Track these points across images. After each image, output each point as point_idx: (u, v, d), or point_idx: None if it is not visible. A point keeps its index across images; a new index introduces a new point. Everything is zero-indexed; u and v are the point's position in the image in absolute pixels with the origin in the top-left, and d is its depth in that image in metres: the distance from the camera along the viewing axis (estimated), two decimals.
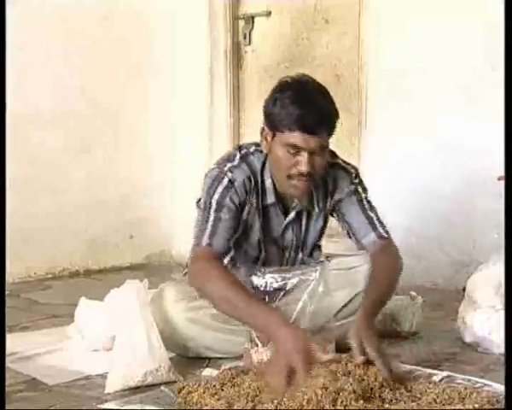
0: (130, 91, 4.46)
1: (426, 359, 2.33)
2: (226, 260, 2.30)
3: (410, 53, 3.74)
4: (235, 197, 2.27)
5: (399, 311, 2.62)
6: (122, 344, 2.05)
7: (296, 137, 2.16)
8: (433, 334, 2.66)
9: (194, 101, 4.56)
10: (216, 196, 2.27)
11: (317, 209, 2.42)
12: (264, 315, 1.98)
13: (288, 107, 2.17)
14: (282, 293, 2.24)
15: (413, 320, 2.63)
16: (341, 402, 1.68)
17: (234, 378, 1.91)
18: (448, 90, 3.64)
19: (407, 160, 3.77)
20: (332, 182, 2.40)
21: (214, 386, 1.87)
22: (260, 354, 2.09)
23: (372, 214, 2.39)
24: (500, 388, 1.92)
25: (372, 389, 1.79)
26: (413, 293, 2.69)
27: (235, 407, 1.74)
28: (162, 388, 1.98)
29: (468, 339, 2.47)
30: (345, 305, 2.37)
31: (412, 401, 1.79)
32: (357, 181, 2.41)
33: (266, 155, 2.31)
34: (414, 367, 2.17)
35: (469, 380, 2.04)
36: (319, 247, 2.54)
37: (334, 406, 1.68)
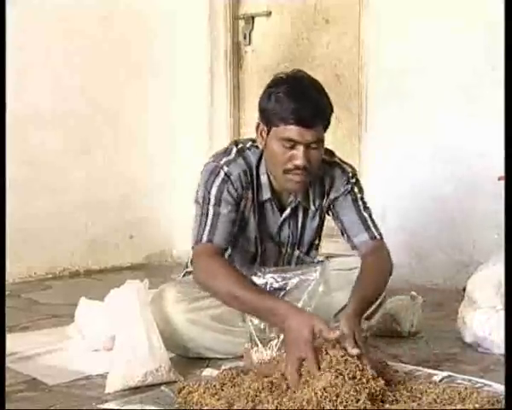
0: (130, 91, 4.46)
1: (426, 359, 2.33)
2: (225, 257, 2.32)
3: (410, 53, 3.74)
4: (232, 191, 2.28)
5: (400, 311, 2.62)
6: (122, 344, 2.05)
7: (291, 131, 2.17)
8: (434, 334, 2.66)
9: (194, 101, 4.56)
10: (213, 191, 2.27)
11: (313, 207, 2.43)
12: (271, 307, 2.01)
13: (283, 101, 2.17)
14: (282, 293, 2.24)
15: (413, 320, 2.63)
16: (341, 403, 1.68)
17: (234, 378, 1.92)
18: (448, 90, 3.64)
19: (407, 160, 3.77)
20: (329, 181, 2.40)
21: (214, 386, 1.87)
22: (260, 354, 2.09)
23: (366, 215, 2.38)
24: (500, 388, 1.92)
25: (374, 393, 1.78)
26: (413, 293, 2.69)
27: (236, 407, 1.74)
28: (162, 388, 1.98)
29: (468, 339, 2.48)
30: (345, 305, 2.36)
31: (412, 401, 1.79)
32: (353, 181, 2.41)
33: (262, 150, 2.31)
34: (414, 367, 2.17)
35: (470, 380, 2.04)
36: (317, 246, 2.54)
37: (334, 406, 1.68)
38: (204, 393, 1.84)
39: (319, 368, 1.80)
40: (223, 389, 1.86)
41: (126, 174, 4.46)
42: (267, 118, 2.23)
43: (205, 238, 2.24)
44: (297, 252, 2.47)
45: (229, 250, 2.35)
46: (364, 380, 1.75)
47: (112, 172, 4.39)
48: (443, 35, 3.63)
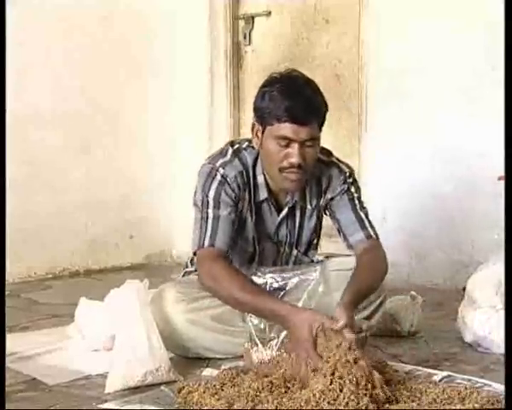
0: (130, 91, 4.46)
1: (426, 358, 2.33)
2: None
3: (409, 53, 3.74)
4: (230, 192, 2.28)
5: (400, 311, 2.62)
6: (122, 344, 2.05)
7: (286, 129, 2.17)
8: (434, 334, 2.66)
9: (194, 101, 4.56)
10: (211, 193, 2.28)
11: (310, 207, 2.43)
12: (272, 309, 2.04)
13: (277, 99, 2.18)
14: (282, 293, 2.24)
15: (413, 320, 2.63)
16: (340, 403, 1.68)
17: (234, 378, 1.92)
18: (448, 90, 3.64)
19: (407, 160, 3.77)
20: (326, 180, 2.40)
21: (214, 386, 1.87)
22: (260, 354, 2.09)
23: (362, 214, 2.39)
24: (500, 388, 1.92)
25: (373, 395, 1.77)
26: (413, 293, 2.69)
27: (235, 407, 1.74)
28: (162, 388, 1.98)
29: (468, 339, 2.48)
30: None
31: (412, 401, 1.79)
32: (350, 180, 2.41)
33: (258, 151, 2.32)
34: (414, 367, 2.18)
35: (469, 380, 2.04)
36: (315, 246, 2.54)
37: (333, 406, 1.68)
38: (204, 393, 1.84)
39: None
40: (223, 389, 1.86)
41: (126, 174, 4.46)
42: (262, 117, 2.24)
43: (206, 243, 2.24)
44: (295, 251, 2.47)
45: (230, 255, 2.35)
46: (369, 386, 1.74)
47: (112, 171, 4.39)
48: (443, 35, 3.63)
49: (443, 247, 3.68)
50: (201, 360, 2.27)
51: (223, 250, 2.25)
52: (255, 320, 2.13)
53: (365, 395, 1.71)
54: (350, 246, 2.38)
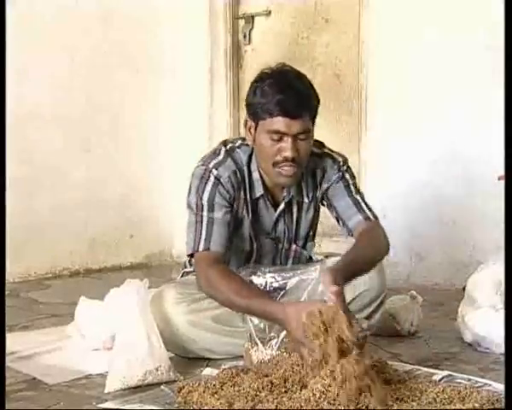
0: (130, 91, 4.46)
1: (426, 358, 2.33)
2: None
3: (409, 52, 3.74)
4: (224, 193, 2.28)
5: (400, 310, 2.62)
6: (122, 343, 2.04)
7: (278, 122, 2.17)
8: (433, 333, 2.66)
9: (194, 100, 4.56)
10: (205, 196, 2.28)
11: (306, 200, 2.43)
12: (265, 310, 2.04)
13: (268, 94, 2.18)
14: (282, 292, 2.23)
15: (413, 320, 2.63)
16: (340, 403, 1.68)
17: (234, 378, 1.91)
18: (448, 90, 3.64)
19: (407, 159, 3.78)
20: (320, 172, 2.40)
21: (214, 385, 1.87)
22: (260, 354, 2.09)
23: (359, 198, 2.39)
24: (500, 387, 1.92)
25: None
26: (413, 292, 2.69)
27: (235, 407, 1.74)
28: (162, 387, 1.98)
29: (468, 338, 2.48)
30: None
31: (412, 401, 1.79)
32: (344, 168, 2.41)
33: (252, 148, 2.32)
34: (414, 367, 2.17)
35: (469, 379, 2.04)
36: (312, 237, 2.53)
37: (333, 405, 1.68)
38: (204, 392, 1.84)
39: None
40: (222, 389, 1.86)
41: (126, 173, 4.46)
42: (254, 112, 2.24)
43: (202, 247, 2.24)
44: (294, 246, 2.47)
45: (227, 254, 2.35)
46: (370, 386, 1.74)
47: (111, 171, 4.39)
48: (443, 34, 3.63)
49: (443, 246, 3.68)
50: (201, 360, 2.27)
51: (219, 253, 2.25)
52: (255, 320, 2.13)
53: (365, 394, 1.71)
54: (349, 231, 2.37)
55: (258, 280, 2.24)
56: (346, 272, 2.04)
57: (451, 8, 3.60)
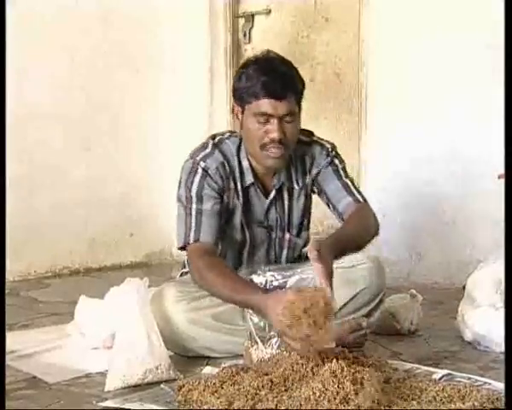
0: (129, 90, 4.46)
1: (426, 357, 2.33)
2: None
3: (409, 51, 3.74)
4: (213, 184, 2.31)
5: (399, 309, 2.62)
6: (122, 342, 2.04)
7: (264, 104, 2.22)
8: (433, 332, 2.67)
9: (193, 99, 4.56)
10: (194, 188, 2.31)
11: (296, 186, 2.45)
12: (247, 299, 2.08)
13: (253, 77, 2.24)
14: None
15: (413, 318, 2.64)
16: (340, 402, 1.68)
17: (234, 376, 1.91)
18: (448, 89, 3.63)
19: (407, 158, 3.77)
20: (309, 158, 2.44)
21: (214, 384, 1.87)
22: (260, 352, 2.09)
23: (348, 181, 2.42)
24: (500, 386, 1.92)
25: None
26: (413, 291, 2.70)
27: (235, 405, 1.74)
28: (162, 386, 1.98)
29: (467, 337, 2.48)
30: (345, 303, 2.37)
31: (412, 399, 1.79)
32: (333, 154, 2.45)
33: (241, 138, 2.36)
34: (414, 365, 2.17)
35: (469, 378, 2.04)
36: (307, 227, 2.54)
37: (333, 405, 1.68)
38: (204, 391, 1.84)
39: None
40: (222, 387, 1.86)
41: (126, 172, 4.46)
42: (240, 97, 2.29)
43: (191, 239, 2.27)
44: (287, 235, 2.48)
45: (220, 245, 2.37)
46: (370, 385, 1.74)
47: (111, 170, 4.39)
48: (443, 33, 3.63)
49: (443, 245, 3.68)
50: (201, 359, 2.27)
51: (209, 243, 2.28)
52: (255, 319, 2.13)
53: (365, 393, 1.71)
54: (340, 214, 2.39)
55: (258, 279, 2.23)
56: (335, 248, 2.07)
57: (451, 6, 3.59)
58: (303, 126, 2.41)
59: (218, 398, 1.79)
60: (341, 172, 2.43)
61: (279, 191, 2.43)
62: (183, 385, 1.90)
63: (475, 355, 2.37)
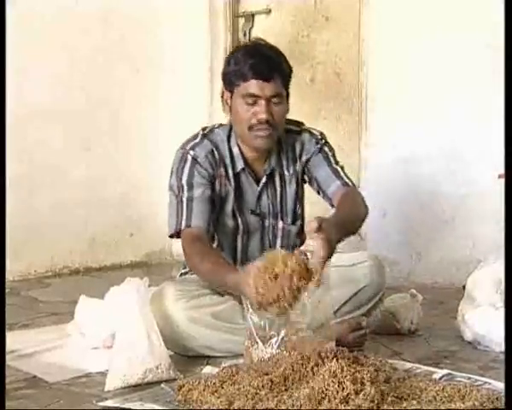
0: (129, 90, 4.46)
1: (426, 356, 2.34)
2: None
3: (409, 51, 3.74)
4: (203, 171, 2.36)
5: (399, 309, 2.62)
6: (122, 342, 2.04)
7: (251, 85, 2.27)
8: (433, 332, 2.67)
9: (194, 99, 4.56)
10: (184, 177, 2.36)
11: (287, 173, 2.47)
12: (227, 282, 2.13)
13: (241, 60, 2.30)
14: None
15: (413, 318, 2.63)
16: (340, 401, 1.68)
17: (234, 376, 1.91)
18: (448, 89, 3.63)
19: (407, 158, 3.77)
20: (299, 146, 2.47)
21: (214, 384, 1.87)
22: (260, 352, 2.09)
23: (338, 167, 2.45)
24: (500, 386, 1.92)
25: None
26: (413, 291, 2.69)
27: (235, 405, 1.74)
28: (162, 385, 1.98)
29: (468, 337, 2.48)
30: (345, 302, 2.37)
31: (412, 399, 1.79)
32: (323, 142, 2.49)
33: (231, 126, 2.40)
34: (414, 365, 2.17)
35: (469, 378, 2.04)
36: (301, 215, 2.54)
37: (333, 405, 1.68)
38: (204, 390, 1.84)
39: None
40: (222, 387, 1.86)
41: (126, 172, 4.47)
42: (229, 81, 2.34)
43: (183, 225, 2.32)
44: (281, 223, 2.48)
45: (215, 235, 2.41)
46: (370, 385, 1.74)
47: (111, 170, 4.39)
48: (443, 33, 3.63)
49: (443, 245, 3.68)
50: (201, 358, 2.27)
51: (200, 228, 2.31)
52: (255, 318, 2.13)
53: (365, 393, 1.72)
54: (330, 200, 2.42)
55: None
56: (338, 230, 2.05)
57: (452, 6, 3.59)
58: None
59: (218, 398, 1.79)
60: (331, 158, 2.47)
61: (270, 177, 2.45)
62: (183, 385, 1.90)
63: (475, 355, 2.37)
